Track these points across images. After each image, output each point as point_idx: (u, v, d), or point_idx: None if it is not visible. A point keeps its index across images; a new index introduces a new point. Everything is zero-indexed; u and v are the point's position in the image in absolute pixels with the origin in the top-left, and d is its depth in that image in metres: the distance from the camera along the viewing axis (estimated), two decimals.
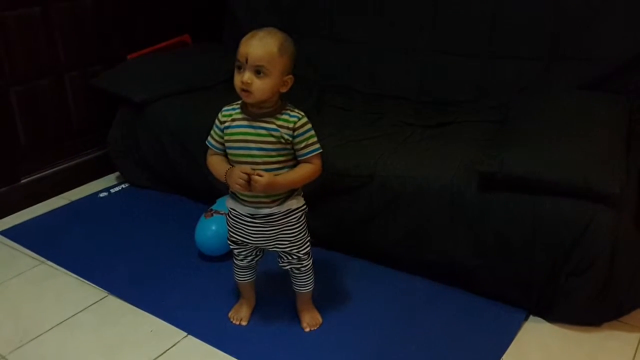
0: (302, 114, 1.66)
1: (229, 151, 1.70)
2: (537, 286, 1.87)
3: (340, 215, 2.16)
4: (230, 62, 1.64)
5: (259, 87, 1.59)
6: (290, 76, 1.64)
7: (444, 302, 1.99)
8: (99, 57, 2.88)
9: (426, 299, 2.01)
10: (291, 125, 1.63)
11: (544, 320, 1.91)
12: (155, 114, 2.64)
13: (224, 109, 1.72)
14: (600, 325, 1.87)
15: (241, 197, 1.70)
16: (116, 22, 2.93)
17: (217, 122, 1.72)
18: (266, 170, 1.62)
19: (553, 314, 1.89)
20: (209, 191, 2.39)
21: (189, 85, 2.74)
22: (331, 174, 2.08)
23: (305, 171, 1.67)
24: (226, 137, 1.69)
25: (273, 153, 1.64)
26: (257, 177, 1.59)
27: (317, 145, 1.67)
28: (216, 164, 1.72)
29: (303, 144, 1.65)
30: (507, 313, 1.93)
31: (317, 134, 1.69)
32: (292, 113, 1.65)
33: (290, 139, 1.64)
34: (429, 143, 2.17)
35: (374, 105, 2.57)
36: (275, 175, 1.63)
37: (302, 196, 1.77)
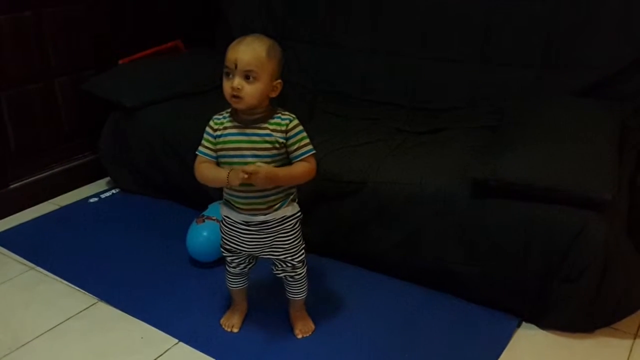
0: (293, 116, 1.66)
1: (222, 160, 1.68)
2: (530, 293, 1.87)
3: (333, 221, 2.15)
4: (223, 68, 1.63)
5: (249, 92, 1.58)
6: (280, 81, 1.64)
7: (436, 309, 1.99)
8: (90, 62, 2.86)
9: (419, 305, 2.00)
10: (283, 128, 1.63)
11: (536, 327, 1.91)
12: (146, 119, 2.63)
13: (214, 117, 1.71)
14: (592, 332, 1.87)
15: (236, 204, 1.69)
16: (108, 27, 2.92)
17: (209, 130, 1.70)
18: None
19: (546, 321, 1.89)
20: (201, 197, 2.38)
21: (181, 91, 2.73)
22: (324, 180, 2.07)
23: (302, 168, 1.66)
24: (219, 146, 1.67)
25: (268, 160, 1.63)
26: (259, 168, 1.56)
27: (310, 147, 1.67)
28: (210, 170, 1.68)
29: (296, 146, 1.64)
30: (500, 320, 1.92)
31: (310, 140, 1.68)
32: (283, 116, 1.65)
33: (284, 141, 1.63)
34: (422, 149, 2.17)
35: (367, 112, 2.57)
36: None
37: (297, 203, 1.76)
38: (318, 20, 2.88)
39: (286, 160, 1.67)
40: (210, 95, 2.69)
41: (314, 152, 1.67)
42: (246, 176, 1.55)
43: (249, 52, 1.58)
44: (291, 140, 1.64)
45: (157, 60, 2.97)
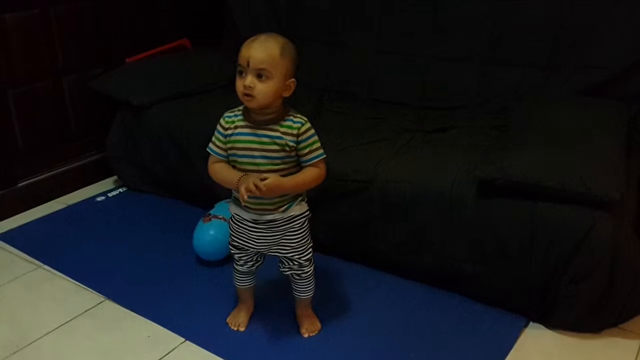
0: (305, 119, 1.65)
1: (231, 158, 1.68)
2: (537, 292, 1.87)
3: (339, 220, 2.15)
4: (229, 67, 1.62)
5: (262, 91, 1.57)
6: (293, 80, 1.62)
7: (443, 308, 1.98)
8: (98, 60, 2.87)
9: (425, 305, 2.00)
10: (295, 132, 1.62)
11: (543, 327, 1.90)
12: (153, 117, 2.63)
13: (225, 115, 1.70)
14: (600, 332, 1.86)
15: (244, 203, 1.68)
16: (115, 25, 2.92)
17: (219, 128, 1.69)
18: None
19: (553, 321, 1.89)
20: (208, 196, 2.38)
21: (188, 89, 2.73)
22: (331, 178, 2.06)
23: (311, 174, 1.65)
24: (229, 145, 1.67)
25: (277, 161, 1.63)
26: (264, 182, 1.55)
27: (321, 151, 1.66)
28: (224, 171, 1.68)
29: (307, 150, 1.63)
30: (506, 319, 1.92)
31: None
32: (295, 119, 1.64)
33: (294, 145, 1.62)
34: (428, 148, 2.16)
35: (374, 110, 2.57)
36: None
37: (305, 202, 1.76)
38: (323, 19, 2.88)
39: (297, 162, 1.66)
40: (217, 94, 2.69)
41: (324, 156, 1.66)
42: (253, 189, 1.54)
43: (262, 50, 1.56)
44: (302, 145, 1.63)
45: (164, 58, 2.97)
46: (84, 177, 2.90)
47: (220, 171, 1.69)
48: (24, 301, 2.07)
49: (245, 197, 1.57)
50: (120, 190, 2.84)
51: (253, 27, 2.94)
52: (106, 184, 2.93)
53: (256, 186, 1.55)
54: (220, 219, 2.19)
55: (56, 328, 1.93)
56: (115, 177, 2.93)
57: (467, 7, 2.53)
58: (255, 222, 1.71)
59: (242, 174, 1.63)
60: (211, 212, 2.26)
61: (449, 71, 2.58)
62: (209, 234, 2.18)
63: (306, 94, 2.70)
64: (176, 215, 2.59)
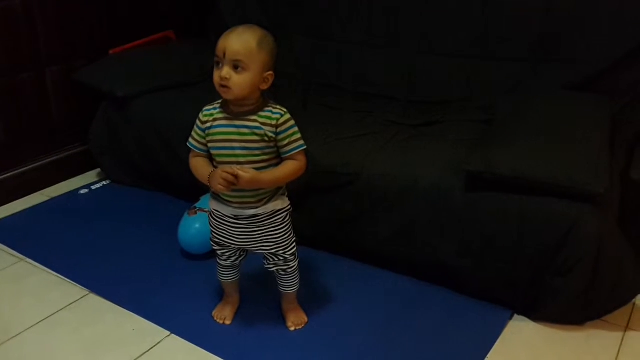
0: (285, 110, 1.64)
1: (212, 151, 1.67)
2: (522, 285, 1.88)
3: (326, 214, 2.15)
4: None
5: (238, 82, 1.56)
6: (271, 72, 1.61)
7: (429, 301, 1.99)
8: (81, 52, 2.84)
9: (412, 298, 2.01)
10: (274, 122, 1.61)
11: (528, 320, 1.92)
12: (138, 109, 2.61)
13: (204, 108, 1.69)
14: (584, 324, 1.88)
15: (226, 198, 1.68)
16: (99, 16, 2.89)
17: (198, 122, 1.68)
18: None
19: (538, 313, 1.90)
20: (193, 189, 2.35)
21: (173, 81, 2.71)
22: (318, 172, 2.07)
23: (289, 168, 1.64)
24: (209, 138, 1.66)
25: (257, 152, 1.62)
26: (241, 174, 1.56)
27: (301, 142, 1.65)
28: (199, 167, 1.69)
29: (286, 141, 1.62)
30: (492, 312, 1.93)
31: (304, 132, 1.67)
32: (274, 110, 1.62)
33: (274, 136, 1.61)
34: (416, 142, 2.17)
35: (362, 104, 2.57)
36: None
37: (287, 196, 1.75)
38: (313, 11, 2.86)
39: (278, 154, 1.65)
40: (202, 86, 2.67)
41: (304, 148, 1.65)
42: (230, 178, 1.55)
43: (239, 41, 1.56)
44: (281, 136, 1.62)
45: (148, 50, 2.95)
46: (67, 169, 2.87)
47: (196, 166, 1.70)
48: (6, 295, 2.05)
49: (224, 188, 1.57)
50: (104, 183, 2.82)
51: (240, 19, 2.92)
52: (90, 176, 2.91)
53: (234, 175, 1.55)
54: (205, 212, 2.17)
55: (39, 322, 1.91)
56: (98, 170, 2.90)
57: (454, 2, 2.53)
58: (236, 217, 1.69)
59: (211, 169, 1.64)
60: (196, 205, 2.25)
61: (436, 65, 2.58)
62: (194, 227, 2.17)
63: (293, 88, 2.69)
64: (161, 208, 2.58)
